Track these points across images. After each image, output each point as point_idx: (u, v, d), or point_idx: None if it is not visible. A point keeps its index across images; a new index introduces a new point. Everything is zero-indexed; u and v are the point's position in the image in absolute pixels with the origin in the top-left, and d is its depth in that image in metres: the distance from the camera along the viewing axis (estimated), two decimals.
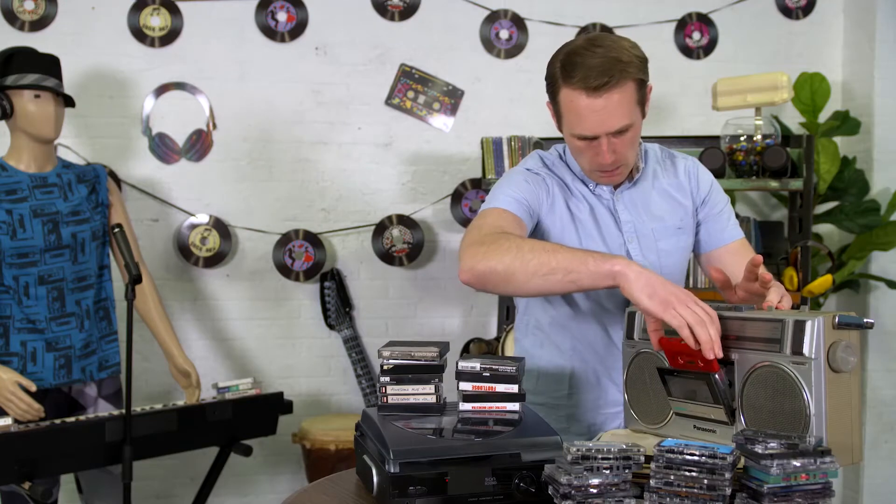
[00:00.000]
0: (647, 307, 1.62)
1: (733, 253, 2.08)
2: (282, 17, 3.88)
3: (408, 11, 3.96)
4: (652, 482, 1.38)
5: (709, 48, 4.16)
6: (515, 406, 1.72)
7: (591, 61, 1.81)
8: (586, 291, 1.85)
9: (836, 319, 1.50)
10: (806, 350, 1.49)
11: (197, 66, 3.82)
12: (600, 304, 2.04)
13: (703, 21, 4.16)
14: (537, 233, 2.00)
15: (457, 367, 1.74)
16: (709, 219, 2.11)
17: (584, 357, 2.07)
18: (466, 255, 1.79)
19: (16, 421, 2.57)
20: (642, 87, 1.89)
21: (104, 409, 2.89)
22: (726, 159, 3.49)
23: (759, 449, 1.35)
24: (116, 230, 2.72)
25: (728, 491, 1.35)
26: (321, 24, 3.91)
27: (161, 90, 3.80)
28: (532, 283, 1.74)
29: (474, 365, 1.73)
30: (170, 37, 3.80)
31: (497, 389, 1.72)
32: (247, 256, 3.89)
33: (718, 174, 3.46)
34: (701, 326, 1.57)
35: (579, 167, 2.02)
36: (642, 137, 2.02)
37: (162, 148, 3.81)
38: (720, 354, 1.57)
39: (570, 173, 2.06)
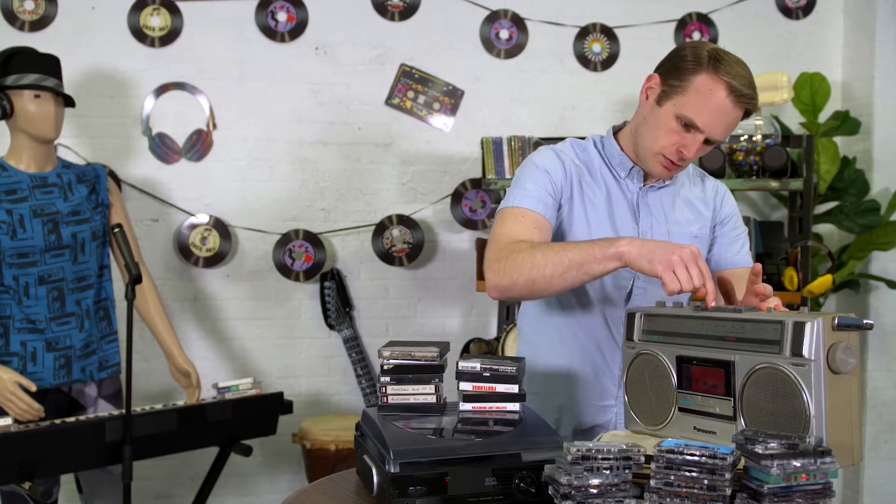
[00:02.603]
0: (649, 271, 1.73)
1: (740, 278, 2.06)
2: (282, 16, 3.87)
3: (408, 11, 3.96)
4: (652, 482, 1.38)
5: None
6: (515, 406, 1.72)
7: (742, 71, 1.91)
8: (601, 277, 1.91)
9: (836, 321, 1.50)
10: (806, 352, 1.49)
11: (197, 66, 3.82)
12: (604, 293, 2.06)
13: (703, 21, 4.15)
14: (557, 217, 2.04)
15: (457, 367, 1.75)
16: (725, 239, 2.16)
17: (583, 345, 2.09)
18: (489, 274, 1.90)
19: (16, 421, 2.57)
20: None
21: (104, 409, 2.89)
22: (726, 159, 3.49)
23: (759, 449, 1.35)
24: (116, 230, 2.72)
25: (728, 491, 1.35)
26: (321, 24, 3.91)
27: (161, 90, 3.80)
28: (553, 284, 1.85)
29: (474, 365, 1.73)
30: (170, 37, 3.80)
31: (497, 389, 1.72)
32: (247, 256, 3.89)
33: (718, 174, 3.47)
34: (690, 285, 1.68)
35: (644, 146, 2.01)
36: None
37: (162, 148, 3.81)
38: (712, 305, 1.71)
39: (601, 160, 2.09)
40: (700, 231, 2.12)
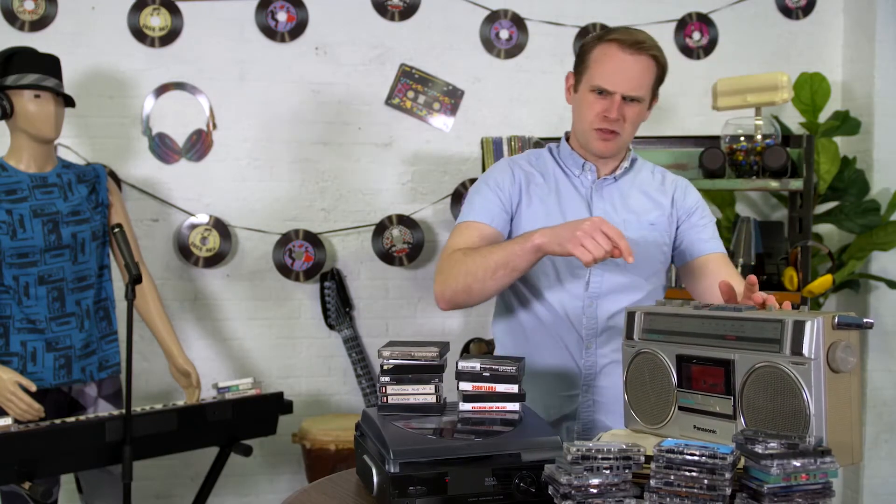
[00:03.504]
0: (562, 253, 1.88)
1: (714, 263, 2.16)
2: (282, 16, 3.88)
3: (408, 11, 3.96)
4: (652, 482, 1.38)
5: (709, 48, 4.16)
6: (515, 406, 1.72)
7: (631, 30, 2.12)
8: (527, 271, 2.03)
9: (836, 320, 1.50)
10: (806, 350, 1.49)
11: (197, 66, 3.82)
12: (562, 286, 2.14)
13: (704, 21, 4.16)
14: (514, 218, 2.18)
15: (457, 367, 1.75)
16: (693, 229, 2.21)
17: (548, 340, 2.16)
18: (435, 287, 2.08)
19: (16, 421, 2.57)
20: (658, 83, 2.14)
21: (104, 409, 2.89)
22: (726, 159, 3.49)
23: (759, 449, 1.35)
24: (116, 230, 2.71)
25: (728, 491, 1.35)
26: (321, 24, 3.91)
27: (161, 90, 3.80)
28: (488, 286, 2.01)
29: (474, 365, 1.73)
30: (170, 37, 3.80)
31: (497, 389, 1.73)
32: (247, 256, 3.89)
33: (719, 174, 3.47)
34: (601, 251, 1.81)
35: (579, 131, 2.16)
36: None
37: (162, 148, 3.81)
38: (630, 260, 1.83)
39: (554, 163, 2.22)
40: (657, 219, 2.19)
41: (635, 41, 2.06)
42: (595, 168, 2.18)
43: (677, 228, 2.22)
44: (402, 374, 1.74)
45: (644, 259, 2.14)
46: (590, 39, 2.14)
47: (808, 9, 4.23)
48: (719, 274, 2.09)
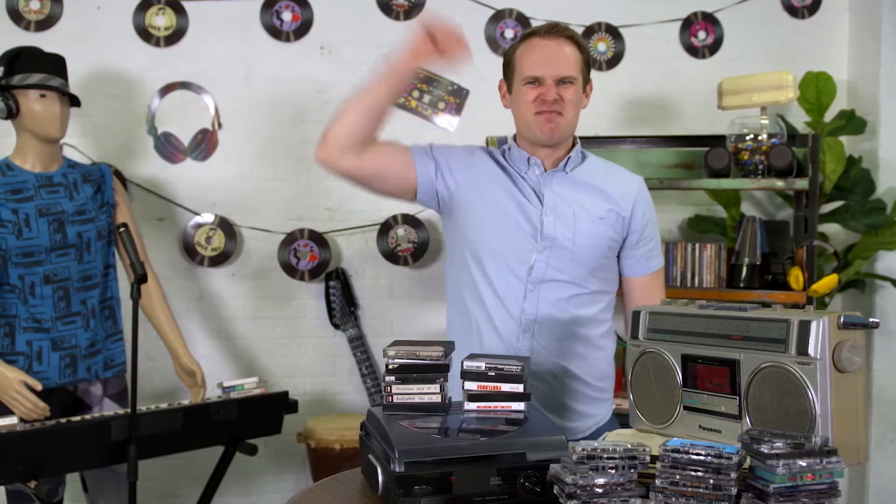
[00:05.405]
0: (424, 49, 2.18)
1: (655, 279, 2.36)
2: (287, 16, 3.88)
3: (413, 10, 3.96)
4: (657, 482, 1.38)
5: (714, 47, 4.15)
6: (521, 405, 1.72)
7: (542, 24, 2.30)
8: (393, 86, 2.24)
9: (842, 319, 1.50)
10: (811, 350, 1.49)
11: (202, 65, 3.83)
12: (506, 261, 2.21)
13: (709, 20, 4.15)
14: (460, 206, 2.28)
15: (462, 366, 1.75)
16: (644, 245, 2.32)
17: (491, 335, 2.22)
18: (319, 151, 2.21)
19: (21, 420, 2.58)
20: (587, 67, 2.26)
21: (109, 409, 2.90)
22: (731, 159, 3.48)
23: (764, 449, 1.35)
24: (122, 229, 2.72)
25: (734, 491, 1.35)
26: (326, 24, 3.91)
27: (166, 90, 3.81)
28: (357, 107, 2.19)
29: (479, 364, 1.73)
30: (175, 36, 3.80)
31: (502, 389, 1.73)
32: (252, 256, 3.90)
33: (724, 174, 3.46)
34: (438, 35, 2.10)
35: (522, 124, 2.26)
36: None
37: (167, 147, 3.81)
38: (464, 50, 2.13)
39: (507, 163, 2.30)
40: (606, 214, 2.25)
41: (551, 27, 2.23)
42: (540, 162, 2.26)
43: (627, 236, 2.30)
44: (407, 373, 1.74)
45: (590, 251, 2.22)
46: (511, 45, 2.30)
47: (813, 8, 4.22)
48: (654, 291, 2.30)
